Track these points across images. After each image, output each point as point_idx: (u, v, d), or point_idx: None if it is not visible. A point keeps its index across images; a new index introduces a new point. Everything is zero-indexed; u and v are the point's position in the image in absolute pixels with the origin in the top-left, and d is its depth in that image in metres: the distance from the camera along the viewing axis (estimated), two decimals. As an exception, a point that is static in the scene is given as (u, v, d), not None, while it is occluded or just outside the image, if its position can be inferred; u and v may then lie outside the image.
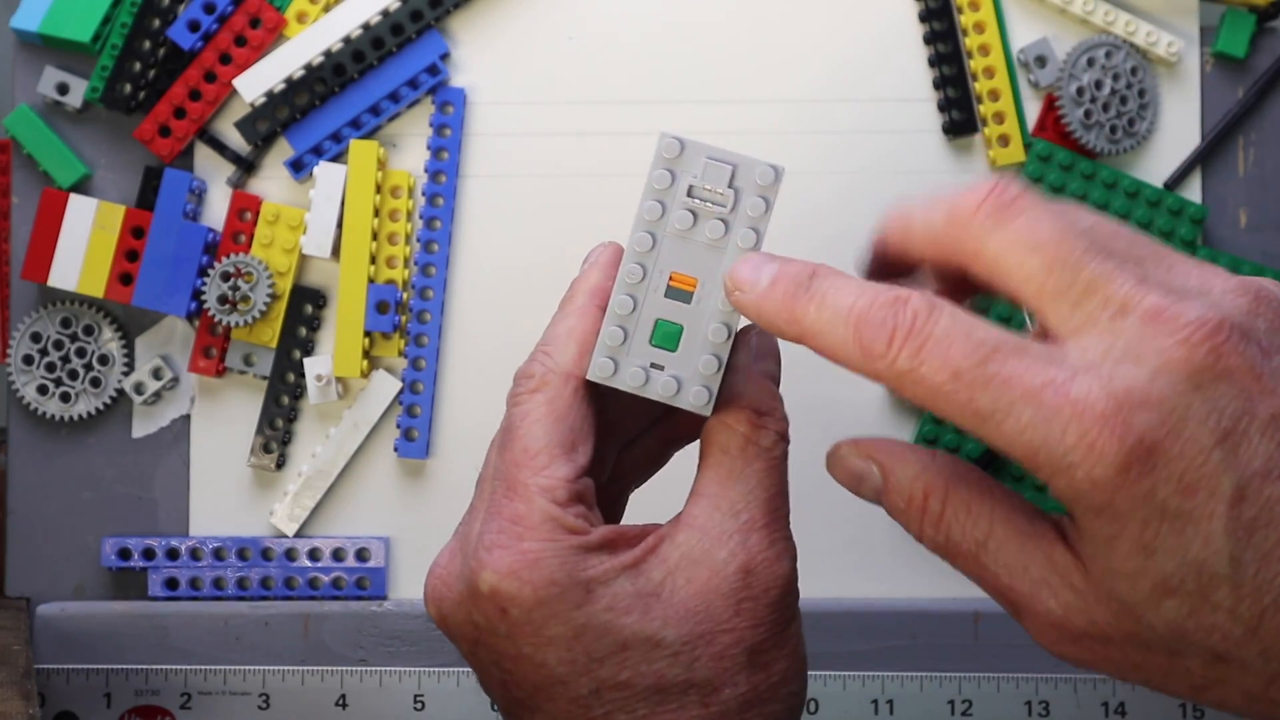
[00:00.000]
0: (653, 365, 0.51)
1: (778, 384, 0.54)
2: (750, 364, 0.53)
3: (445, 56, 0.78)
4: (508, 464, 0.52)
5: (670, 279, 0.51)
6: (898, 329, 0.46)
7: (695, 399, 0.52)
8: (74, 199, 0.76)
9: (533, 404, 0.52)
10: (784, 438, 0.53)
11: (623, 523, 0.56)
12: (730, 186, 0.51)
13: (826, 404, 0.77)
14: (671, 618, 0.50)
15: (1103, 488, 0.44)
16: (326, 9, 0.77)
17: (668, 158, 0.52)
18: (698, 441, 0.54)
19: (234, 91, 0.77)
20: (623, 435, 0.57)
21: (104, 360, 0.77)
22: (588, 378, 0.52)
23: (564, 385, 0.52)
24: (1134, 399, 0.43)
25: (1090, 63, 0.77)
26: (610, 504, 0.58)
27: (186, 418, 0.78)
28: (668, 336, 0.51)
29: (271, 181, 0.78)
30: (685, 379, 0.51)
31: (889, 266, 0.53)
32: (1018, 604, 0.48)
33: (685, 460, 0.57)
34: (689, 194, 0.51)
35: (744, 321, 0.52)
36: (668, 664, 0.50)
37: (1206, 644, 0.45)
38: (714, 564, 0.51)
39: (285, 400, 0.77)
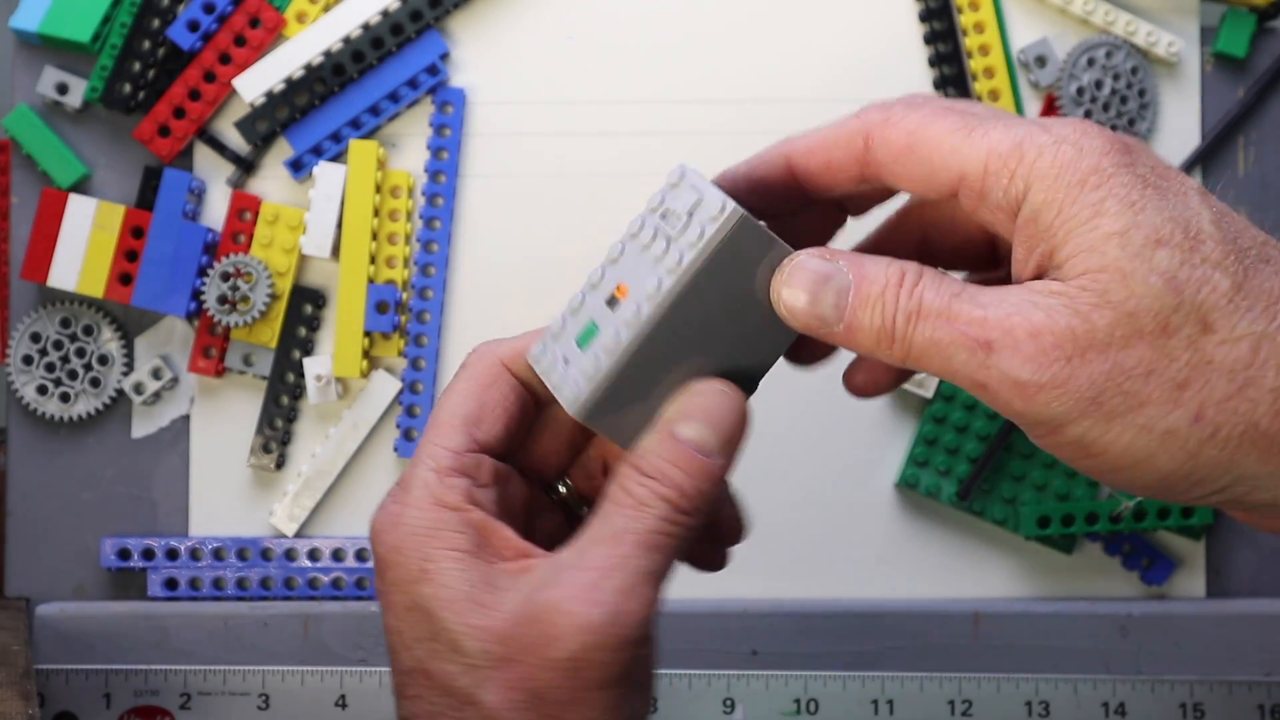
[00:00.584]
0: (564, 360, 0.52)
1: (707, 452, 0.50)
2: (670, 424, 0.50)
3: (445, 56, 0.78)
4: (424, 431, 0.53)
5: (616, 289, 0.52)
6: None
7: (568, 393, 0.50)
8: (73, 199, 0.76)
9: (457, 379, 0.53)
10: (667, 500, 0.49)
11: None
12: (689, 213, 0.51)
13: (826, 405, 0.77)
14: (481, 630, 0.48)
15: (1089, 155, 0.47)
16: (326, 9, 0.77)
17: (670, 183, 0.52)
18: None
19: (234, 91, 0.77)
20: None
21: (104, 360, 0.77)
22: (526, 357, 0.53)
23: (489, 366, 0.53)
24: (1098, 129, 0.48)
25: (1090, 63, 0.77)
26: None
27: (186, 418, 0.78)
28: (587, 335, 0.51)
29: (271, 181, 0.78)
30: (572, 376, 0.51)
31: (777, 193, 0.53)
32: (991, 334, 0.47)
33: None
34: (662, 216, 0.52)
35: (660, 346, 0.50)
36: (461, 672, 0.49)
37: (1196, 300, 0.46)
38: (536, 595, 0.48)
39: (285, 400, 0.77)
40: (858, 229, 0.56)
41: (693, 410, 0.50)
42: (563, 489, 0.55)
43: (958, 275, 0.52)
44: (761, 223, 0.50)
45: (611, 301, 0.51)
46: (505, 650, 0.48)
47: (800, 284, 0.49)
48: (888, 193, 0.54)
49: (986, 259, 0.54)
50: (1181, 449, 0.47)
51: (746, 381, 0.52)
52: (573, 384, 0.50)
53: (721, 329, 0.50)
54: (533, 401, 0.54)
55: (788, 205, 0.54)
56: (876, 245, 0.55)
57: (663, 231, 0.51)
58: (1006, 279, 0.51)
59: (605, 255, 0.52)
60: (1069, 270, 0.47)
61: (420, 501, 0.50)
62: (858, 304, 0.49)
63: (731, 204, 0.49)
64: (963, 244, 0.54)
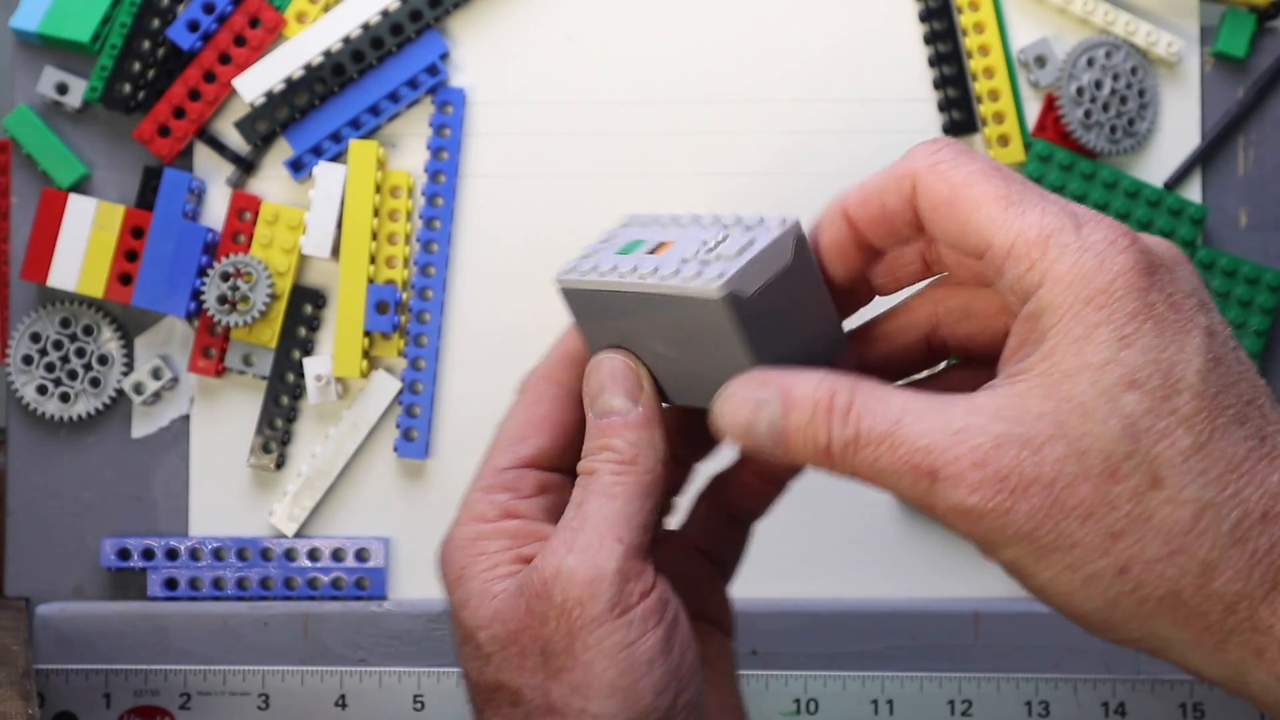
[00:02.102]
0: (604, 264, 0.53)
1: (626, 410, 0.53)
2: (588, 407, 0.54)
3: (445, 56, 0.78)
4: (482, 461, 0.55)
5: (656, 248, 0.52)
6: None
7: (708, 277, 0.49)
8: (73, 199, 0.76)
9: (511, 407, 0.55)
10: (611, 460, 0.52)
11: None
12: (748, 229, 0.52)
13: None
14: (483, 619, 0.51)
15: (1107, 272, 0.46)
16: (326, 9, 0.77)
17: (766, 215, 0.52)
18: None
19: (233, 91, 0.77)
20: (703, 445, 0.57)
21: (103, 360, 0.77)
22: (555, 279, 0.53)
23: (535, 384, 0.55)
24: (1144, 241, 0.47)
25: (1090, 63, 0.77)
26: (726, 536, 0.58)
27: (186, 418, 0.78)
28: (632, 247, 0.53)
29: (271, 181, 0.78)
30: (677, 265, 0.51)
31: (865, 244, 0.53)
32: (936, 464, 0.46)
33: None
34: (722, 222, 0.53)
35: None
36: (483, 664, 0.52)
37: (1152, 452, 0.45)
38: (525, 574, 0.51)
39: (285, 400, 0.77)
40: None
41: (593, 389, 0.53)
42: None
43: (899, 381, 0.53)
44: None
45: (653, 253, 0.52)
46: (506, 628, 0.51)
47: (733, 413, 0.49)
48: (927, 271, 0.53)
49: (994, 354, 0.53)
50: (1102, 595, 0.47)
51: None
52: (709, 271, 0.50)
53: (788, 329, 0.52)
54: (579, 406, 0.55)
55: (855, 264, 0.53)
56: (885, 322, 0.55)
57: (720, 224, 0.52)
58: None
59: (636, 217, 0.54)
60: (1039, 386, 0.46)
61: (463, 519, 0.54)
62: (789, 430, 0.49)
63: (791, 217, 0.51)
64: (975, 334, 0.54)
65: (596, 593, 0.50)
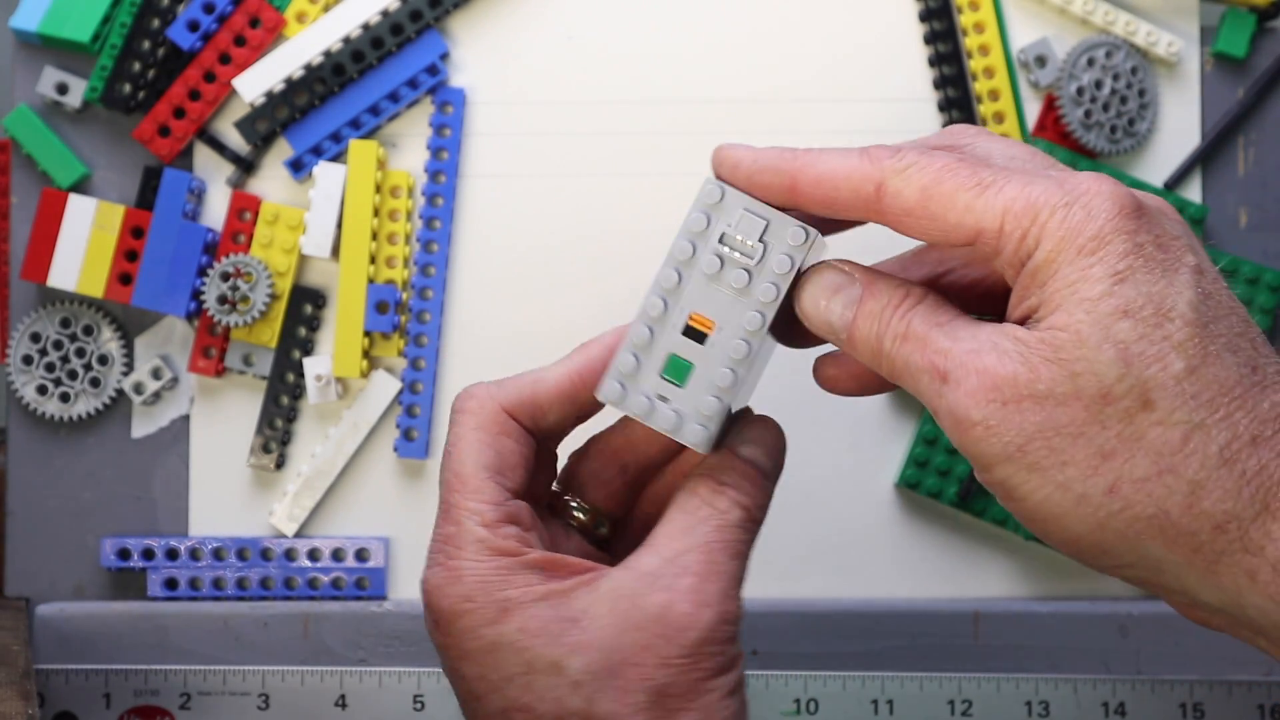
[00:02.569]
0: (659, 397, 0.53)
1: (765, 475, 0.55)
2: (735, 446, 0.55)
3: (445, 56, 0.78)
4: (444, 486, 0.54)
5: (690, 318, 0.53)
6: None
7: (692, 435, 0.53)
8: (73, 199, 0.76)
9: (463, 428, 0.55)
10: (743, 509, 0.54)
11: None
12: (760, 240, 0.53)
13: (826, 405, 0.77)
14: (581, 646, 0.51)
15: (1095, 220, 0.48)
16: (326, 9, 0.77)
17: (707, 203, 0.54)
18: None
19: (233, 91, 0.77)
20: (631, 464, 0.58)
21: (103, 360, 0.77)
22: (597, 396, 0.54)
23: (495, 415, 0.55)
24: (1123, 189, 0.50)
25: (1090, 63, 0.77)
26: (638, 541, 0.59)
27: (186, 418, 0.78)
28: (678, 370, 0.53)
29: (271, 181, 0.78)
30: (687, 415, 0.53)
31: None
32: (948, 366, 0.49)
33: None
34: (721, 240, 0.53)
35: (752, 371, 0.54)
36: (569, 692, 0.51)
37: (1144, 375, 0.47)
38: (635, 600, 0.51)
39: (285, 400, 0.77)
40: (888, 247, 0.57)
41: (752, 437, 0.56)
42: (581, 514, 0.58)
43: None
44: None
45: (691, 333, 0.53)
46: (612, 659, 0.51)
47: (818, 289, 0.52)
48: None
49: (998, 299, 0.55)
50: (1092, 516, 0.48)
51: None
52: (694, 426, 0.53)
53: (769, 344, 0.56)
54: (535, 444, 0.56)
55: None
56: (894, 267, 0.57)
57: (733, 261, 0.53)
58: None
59: (656, 282, 0.53)
60: (1039, 325, 0.48)
61: (478, 555, 0.53)
62: (859, 317, 0.52)
63: (814, 232, 0.53)
64: (977, 281, 0.55)
65: (720, 653, 0.52)
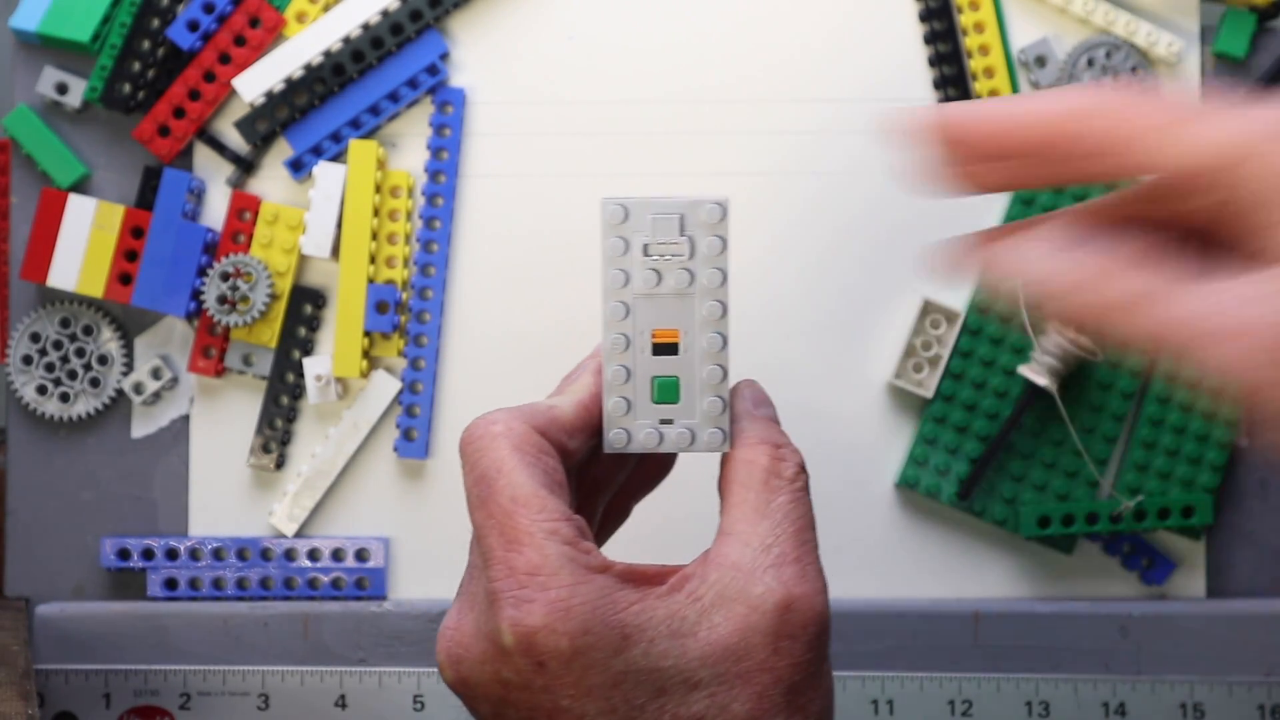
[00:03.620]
0: (661, 422, 0.53)
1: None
2: (751, 410, 0.54)
3: (445, 56, 0.78)
4: (499, 515, 0.50)
5: (654, 337, 0.53)
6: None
7: (710, 441, 0.53)
8: (73, 199, 0.76)
9: (500, 452, 0.52)
10: (803, 470, 0.53)
11: None
12: (683, 234, 0.52)
13: (825, 405, 0.77)
14: (709, 657, 0.49)
15: None
16: (326, 9, 0.77)
17: (615, 224, 0.53)
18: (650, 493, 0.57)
19: (233, 91, 0.77)
20: (606, 493, 0.58)
21: (103, 360, 0.77)
22: (605, 451, 0.54)
23: (528, 435, 0.52)
24: None
25: (1090, 63, 0.77)
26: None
27: (186, 418, 0.78)
28: (668, 390, 0.53)
29: (271, 181, 0.78)
30: (695, 426, 0.53)
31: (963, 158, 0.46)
32: (1205, 328, 0.41)
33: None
34: (645, 253, 0.53)
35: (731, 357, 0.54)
36: (705, 705, 0.49)
37: None
38: (750, 600, 0.50)
39: (285, 400, 0.77)
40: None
41: (758, 398, 0.55)
42: None
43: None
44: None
45: (662, 349, 0.53)
46: (742, 665, 0.49)
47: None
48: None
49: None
50: None
51: None
52: (708, 432, 0.53)
53: None
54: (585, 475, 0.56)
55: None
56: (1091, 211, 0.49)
57: (668, 266, 0.53)
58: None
59: (606, 322, 0.53)
60: None
61: (576, 578, 0.49)
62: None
63: (724, 199, 0.52)
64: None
65: (829, 622, 0.51)
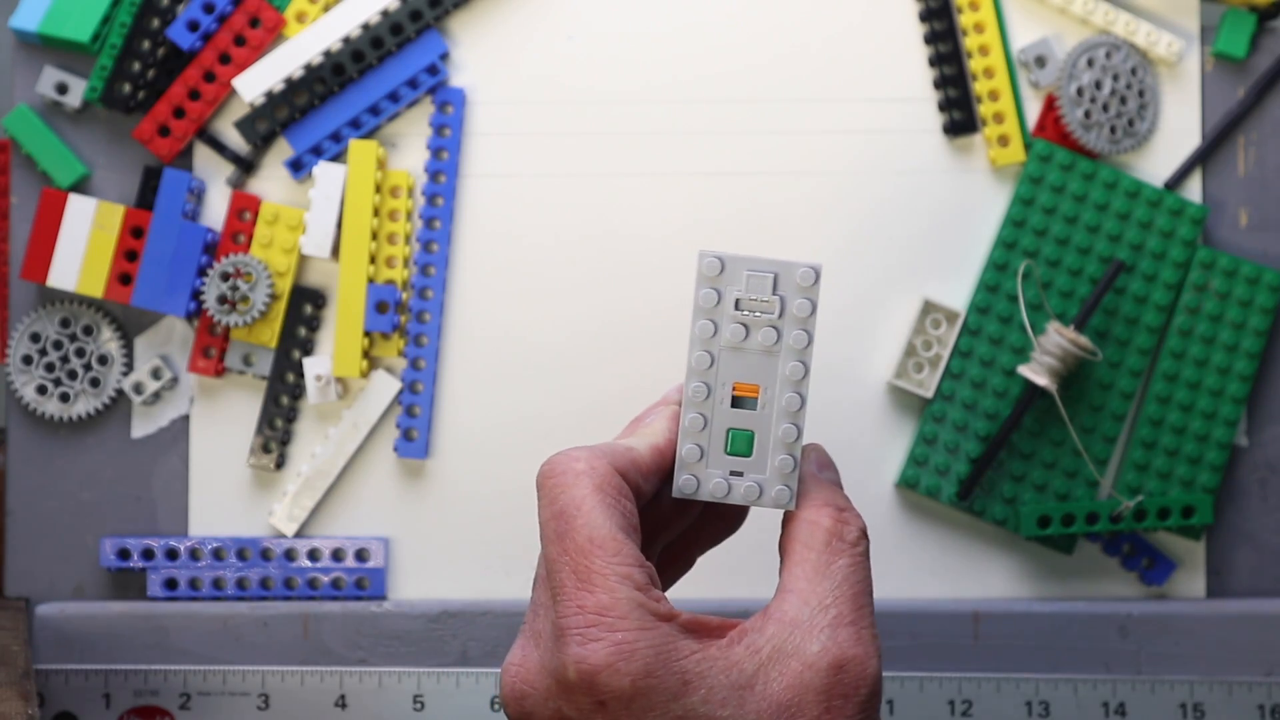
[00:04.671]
0: (732, 473, 0.55)
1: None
2: (816, 472, 0.56)
3: (445, 56, 0.78)
4: (574, 554, 0.51)
5: (734, 389, 0.55)
6: None
7: (778, 498, 0.55)
8: (73, 199, 0.76)
9: (581, 490, 0.52)
10: (866, 536, 0.54)
11: None
12: (775, 293, 0.54)
13: (826, 405, 0.77)
14: (765, 711, 0.50)
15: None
16: (326, 9, 0.77)
17: (710, 276, 0.55)
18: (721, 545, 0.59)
19: (233, 91, 0.77)
20: (665, 540, 0.59)
21: (103, 360, 0.77)
22: (674, 495, 0.55)
23: (610, 476, 0.53)
24: None
25: (1090, 63, 0.77)
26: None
27: (186, 418, 0.78)
28: (742, 443, 0.55)
29: (271, 181, 0.78)
30: (764, 481, 0.55)
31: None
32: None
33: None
34: (736, 307, 0.55)
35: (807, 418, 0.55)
36: None
37: None
38: (806, 657, 0.51)
39: (285, 400, 0.77)
40: None
41: (823, 461, 0.57)
42: None
43: None
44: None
45: (740, 402, 0.55)
46: (793, 715, 0.51)
47: None
48: None
49: None
50: None
51: None
52: (776, 489, 0.55)
53: None
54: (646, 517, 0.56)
55: None
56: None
57: (756, 323, 0.54)
58: None
59: (691, 369, 0.55)
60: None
61: (643, 623, 0.50)
62: None
63: (819, 266, 0.54)
64: None
65: (881, 686, 0.53)
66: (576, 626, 0.50)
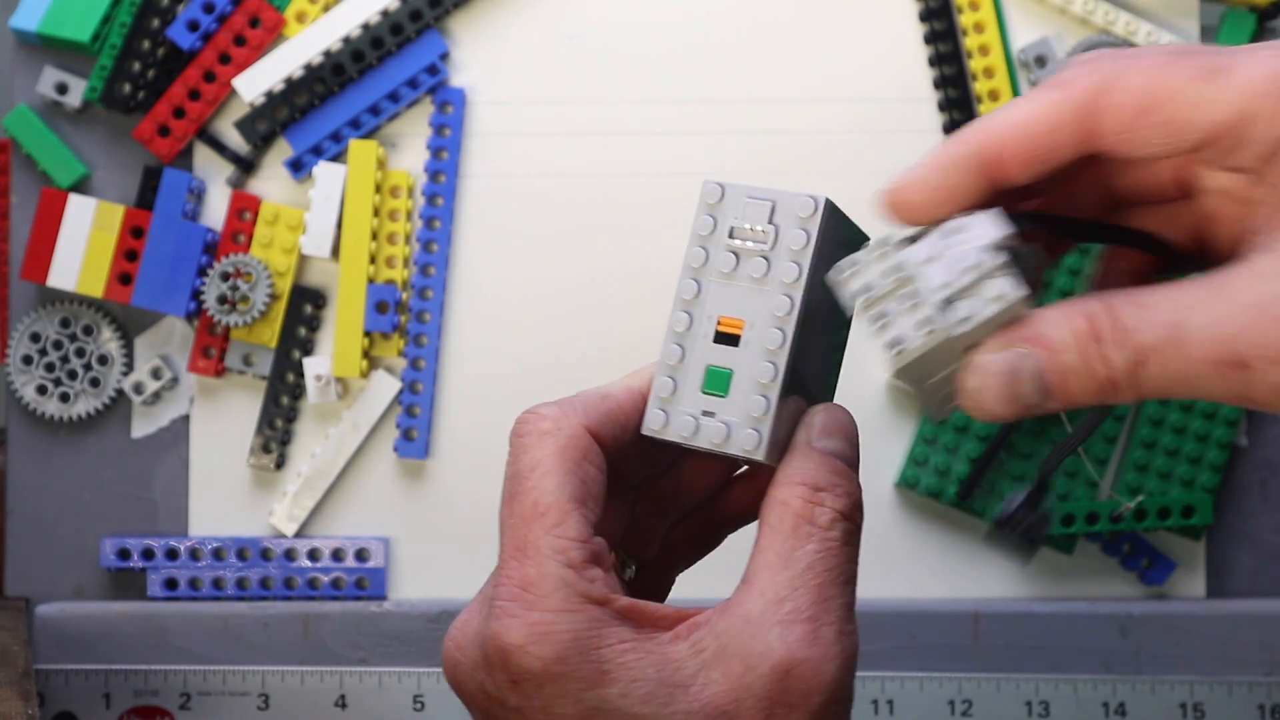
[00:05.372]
0: (704, 413, 0.49)
1: (850, 463, 0.49)
2: (811, 441, 0.48)
3: (445, 56, 0.78)
4: (517, 520, 0.47)
5: (718, 324, 0.49)
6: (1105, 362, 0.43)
7: (744, 442, 0.48)
8: (73, 199, 0.76)
9: (543, 451, 0.48)
10: (847, 518, 0.47)
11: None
12: (770, 223, 0.49)
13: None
14: (694, 715, 0.45)
15: None
16: (326, 9, 0.77)
17: (710, 203, 0.50)
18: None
19: (233, 91, 0.77)
20: (674, 510, 0.53)
21: (103, 360, 0.77)
22: (642, 431, 0.50)
23: (578, 435, 0.48)
24: None
25: (1090, 63, 0.77)
26: (654, 582, 0.53)
27: (186, 418, 0.78)
28: (718, 381, 0.49)
29: (271, 181, 0.78)
30: (734, 424, 0.49)
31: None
32: (1242, 350, 0.41)
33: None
34: (731, 235, 0.50)
35: (812, 360, 0.50)
36: None
37: None
38: (749, 658, 0.45)
39: (285, 400, 0.77)
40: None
41: (822, 425, 0.49)
42: (613, 553, 0.51)
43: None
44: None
45: (722, 338, 0.49)
46: None
47: (995, 393, 0.44)
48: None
49: (1178, 189, 0.48)
50: None
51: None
52: (744, 431, 0.48)
53: (825, 328, 0.50)
54: (608, 474, 0.50)
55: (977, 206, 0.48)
56: (1059, 209, 0.49)
57: (747, 252, 0.49)
58: (1194, 212, 0.48)
59: (677, 298, 0.50)
60: None
61: (567, 604, 0.46)
62: (1060, 380, 0.44)
63: (820, 198, 0.48)
64: (1150, 177, 0.48)
65: (849, 696, 0.46)
66: (502, 599, 0.46)
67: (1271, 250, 0.43)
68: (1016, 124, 0.46)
